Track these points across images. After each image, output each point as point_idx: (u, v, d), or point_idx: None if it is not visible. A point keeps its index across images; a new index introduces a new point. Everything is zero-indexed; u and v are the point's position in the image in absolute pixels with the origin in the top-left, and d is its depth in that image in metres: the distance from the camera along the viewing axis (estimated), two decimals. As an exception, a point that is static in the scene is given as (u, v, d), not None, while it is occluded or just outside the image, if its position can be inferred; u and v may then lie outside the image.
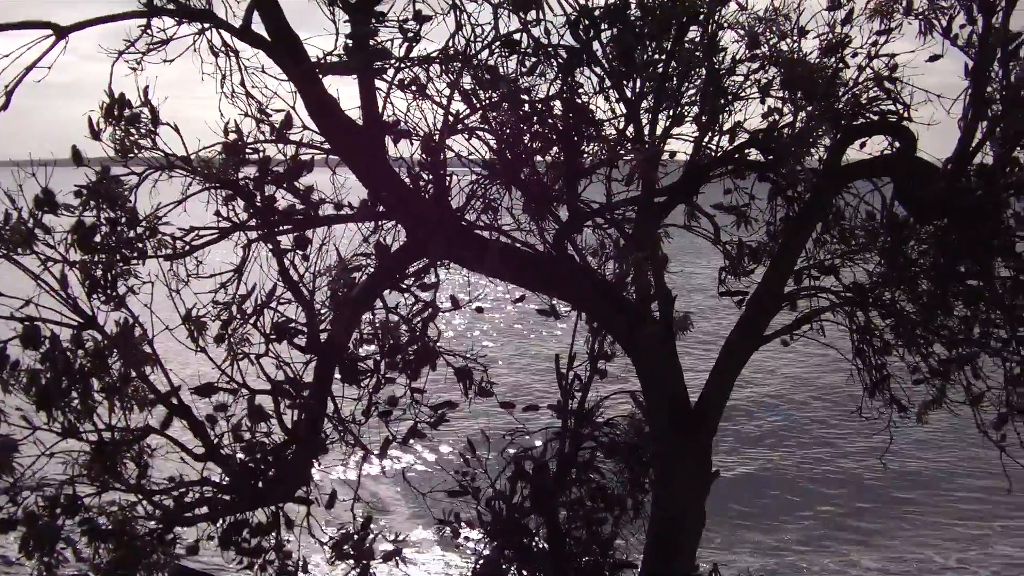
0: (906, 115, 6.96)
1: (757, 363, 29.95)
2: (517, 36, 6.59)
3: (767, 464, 23.93)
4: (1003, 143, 6.81)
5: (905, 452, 23.32)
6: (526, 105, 6.56)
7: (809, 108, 6.69)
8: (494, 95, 6.57)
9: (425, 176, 6.70)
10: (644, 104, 6.76)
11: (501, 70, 6.60)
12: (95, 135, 6.40)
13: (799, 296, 7.28)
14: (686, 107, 6.77)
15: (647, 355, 6.97)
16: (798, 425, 27.11)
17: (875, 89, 6.98)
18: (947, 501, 21.57)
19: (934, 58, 6.86)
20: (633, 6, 6.55)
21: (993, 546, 18.95)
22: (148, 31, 6.47)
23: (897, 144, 7.02)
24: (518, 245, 6.91)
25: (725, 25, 6.82)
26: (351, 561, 7.24)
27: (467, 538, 7.96)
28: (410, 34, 6.48)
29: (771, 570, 18.14)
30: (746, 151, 6.97)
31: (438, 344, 7.01)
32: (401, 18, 6.46)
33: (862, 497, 21.82)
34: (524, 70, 6.62)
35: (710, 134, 6.83)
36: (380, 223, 7.03)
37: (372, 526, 7.49)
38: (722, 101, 6.78)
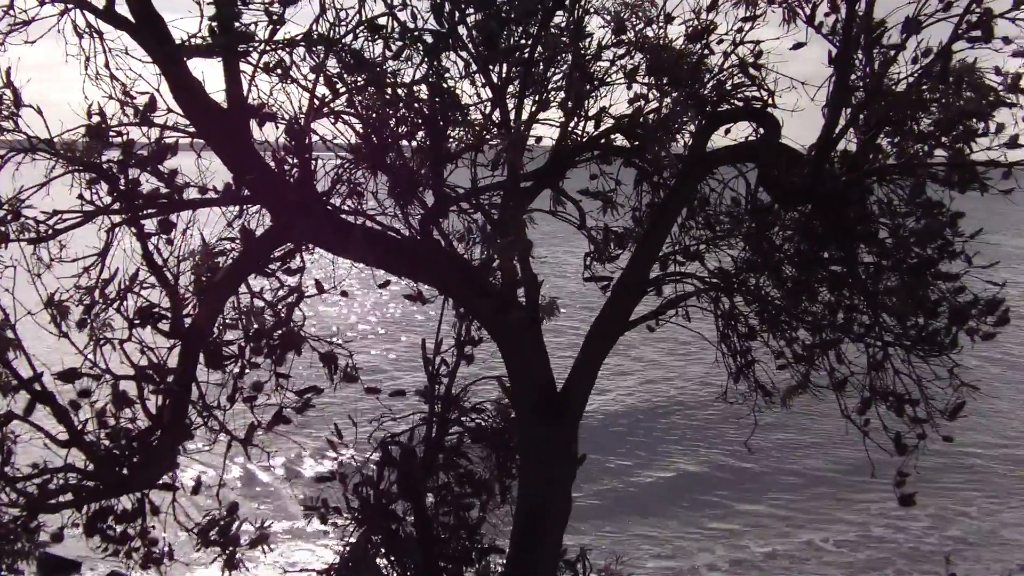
0: (771, 102, 8.34)
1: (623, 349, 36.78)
2: (382, 20, 7.58)
3: (643, 453, 28.94)
4: (866, 130, 8.14)
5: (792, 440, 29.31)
6: (392, 89, 7.57)
7: (674, 94, 8.02)
8: (359, 79, 7.55)
9: (290, 160, 7.66)
10: (510, 89, 7.88)
11: (366, 54, 7.55)
12: (-48, 117, 7.21)
13: (664, 282, 8.63)
14: (552, 92, 7.99)
15: (513, 340, 8.22)
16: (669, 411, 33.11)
17: (740, 76, 8.34)
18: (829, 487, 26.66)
19: (798, 46, 8.19)
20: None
21: (871, 529, 23.49)
22: (10, 11, 7.23)
23: (762, 130, 8.37)
24: (383, 230, 7.93)
25: (591, 11, 8.02)
26: (217, 548, 8.22)
27: (335, 524, 9.14)
28: (275, 17, 7.33)
29: (658, 555, 22.09)
30: (612, 137, 8.24)
31: (303, 329, 8.10)
32: (266, 0, 7.25)
33: (742, 483, 26.63)
34: (390, 54, 7.60)
35: (576, 119, 8.06)
36: (245, 207, 7.93)
37: (238, 512, 8.86)
38: (588, 87, 7.97)
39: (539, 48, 7.91)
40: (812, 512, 25.25)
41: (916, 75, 7.98)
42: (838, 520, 24.63)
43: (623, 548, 21.34)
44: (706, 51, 8.28)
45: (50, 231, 7.55)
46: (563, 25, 8.01)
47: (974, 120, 7.81)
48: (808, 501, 25.96)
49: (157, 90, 7.56)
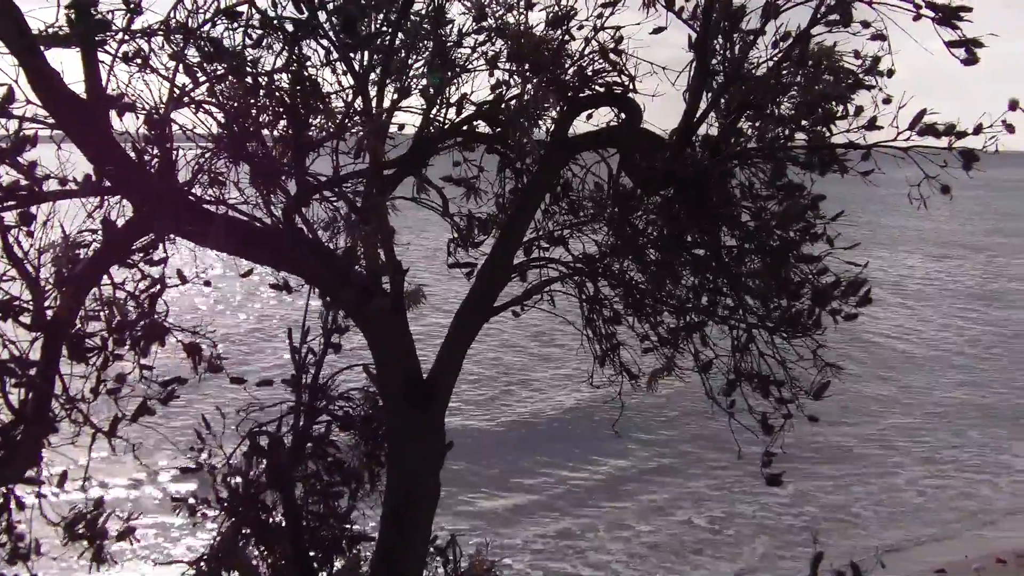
0: (632, 87, 9.45)
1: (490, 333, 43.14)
2: (241, 8, 8.52)
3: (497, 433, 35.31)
4: (727, 114, 9.28)
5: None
6: (252, 78, 8.48)
7: (536, 80, 9.07)
8: (219, 68, 8.43)
9: (150, 150, 8.46)
10: (372, 77, 8.87)
11: (226, 43, 8.47)
12: None
13: (529, 267, 9.81)
14: (413, 79, 8.99)
15: (378, 328, 9.23)
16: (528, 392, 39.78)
17: (601, 61, 9.43)
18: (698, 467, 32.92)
19: (658, 31, 9.28)
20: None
21: (735, 504, 29.50)
22: None
23: (623, 116, 9.52)
24: (246, 219, 8.81)
25: (452, -3, 8.84)
26: (85, 542, 9.19)
27: (205, 516, 10.21)
28: (132, 5, 8.16)
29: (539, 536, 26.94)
30: (474, 123, 9.32)
31: (167, 320, 9.04)
32: (123, -12, 7.86)
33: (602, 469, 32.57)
34: (250, 43, 8.59)
35: (437, 106, 9.09)
36: (106, 198, 8.73)
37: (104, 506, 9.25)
38: (449, 73, 8.98)
39: (400, 35, 8.91)
40: (687, 492, 31.13)
41: (776, 59, 9.17)
42: (709, 498, 30.41)
43: (495, 536, 25.44)
44: (567, 37, 9.33)
45: (-93, 227, 8.10)
46: (424, 12, 8.99)
47: (833, 103, 9.00)
48: (686, 481, 31.98)
49: (15, 81, 8.19)
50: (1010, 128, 8.51)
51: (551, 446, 34.71)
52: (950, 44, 8.70)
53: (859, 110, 9.06)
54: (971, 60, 8.74)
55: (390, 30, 8.97)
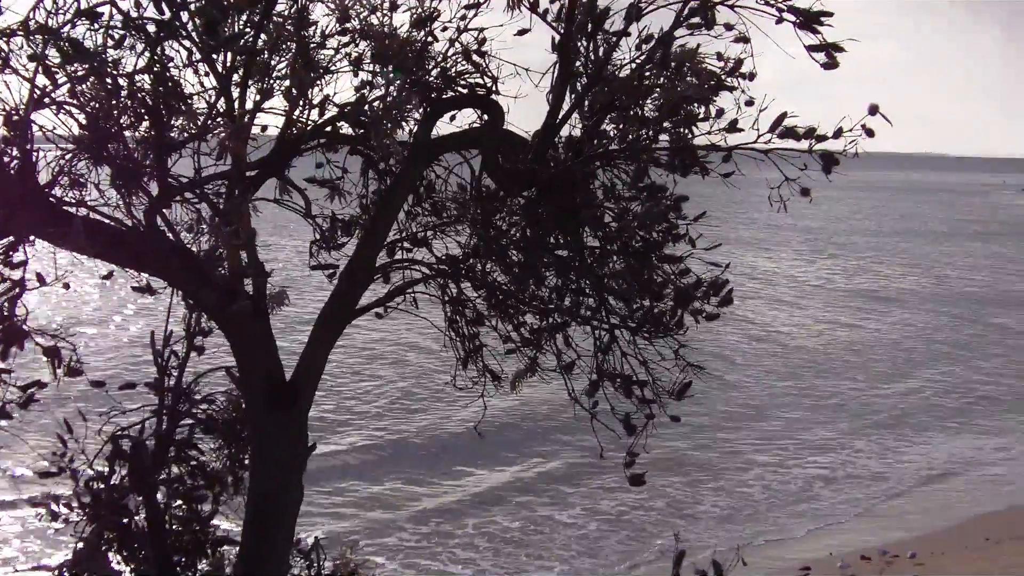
0: (495, 88, 10.28)
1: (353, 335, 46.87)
2: (102, 8, 9.17)
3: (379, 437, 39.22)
4: (590, 115, 10.12)
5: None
6: (114, 79, 9.17)
7: (399, 82, 9.76)
8: (80, 69, 9.06)
9: (10, 152, 9.11)
10: (234, 78, 9.52)
11: (87, 43, 9.10)
12: None
13: (392, 268, 10.52)
14: (276, 81, 9.68)
15: (240, 331, 9.91)
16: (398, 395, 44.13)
17: (464, 63, 10.28)
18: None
19: (522, 32, 10.05)
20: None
21: (599, 501, 33.82)
22: None
23: (486, 117, 10.32)
24: (107, 221, 9.43)
25: (315, -2, 9.23)
26: None
27: (66, 520, 10.85)
28: None
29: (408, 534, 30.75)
30: (337, 124, 10.04)
31: (26, 323, 9.55)
32: (-21, -10, 8.06)
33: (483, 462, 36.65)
34: (111, 43, 9.21)
35: (300, 108, 9.77)
36: None
37: None
38: (312, 75, 9.64)
39: (262, 36, 9.59)
40: (549, 488, 35.48)
41: (639, 61, 10.02)
42: (571, 494, 34.92)
43: (361, 536, 28.38)
44: (430, 38, 10.13)
45: None
46: (287, 13, 9.73)
47: (695, 105, 9.84)
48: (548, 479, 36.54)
49: None
50: (869, 132, 9.36)
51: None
52: (811, 48, 9.53)
53: (720, 112, 9.88)
54: (831, 64, 9.56)
55: (252, 31, 9.60)
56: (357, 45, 10.16)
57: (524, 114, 10.68)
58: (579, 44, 10.33)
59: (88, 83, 9.34)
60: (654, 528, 32.70)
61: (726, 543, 28.16)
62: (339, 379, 45.68)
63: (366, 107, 10.07)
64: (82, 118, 9.43)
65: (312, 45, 10.01)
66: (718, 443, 41.88)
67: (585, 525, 32.56)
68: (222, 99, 9.78)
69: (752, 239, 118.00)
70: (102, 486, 10.94)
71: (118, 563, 11.00)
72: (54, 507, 11.13)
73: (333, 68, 10.19)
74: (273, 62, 9.96)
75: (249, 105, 9.88)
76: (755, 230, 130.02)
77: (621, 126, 10.36)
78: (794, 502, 36.18)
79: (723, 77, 10.03)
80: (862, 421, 47.28)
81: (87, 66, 9.23)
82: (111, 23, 9.43)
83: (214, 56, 9.69)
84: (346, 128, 10.43)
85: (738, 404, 48.67)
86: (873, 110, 9.34)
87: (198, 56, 9.67)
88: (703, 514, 34.37)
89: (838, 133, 9.55)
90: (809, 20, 9.46)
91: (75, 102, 9.43)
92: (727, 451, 41.15)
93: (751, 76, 10.00)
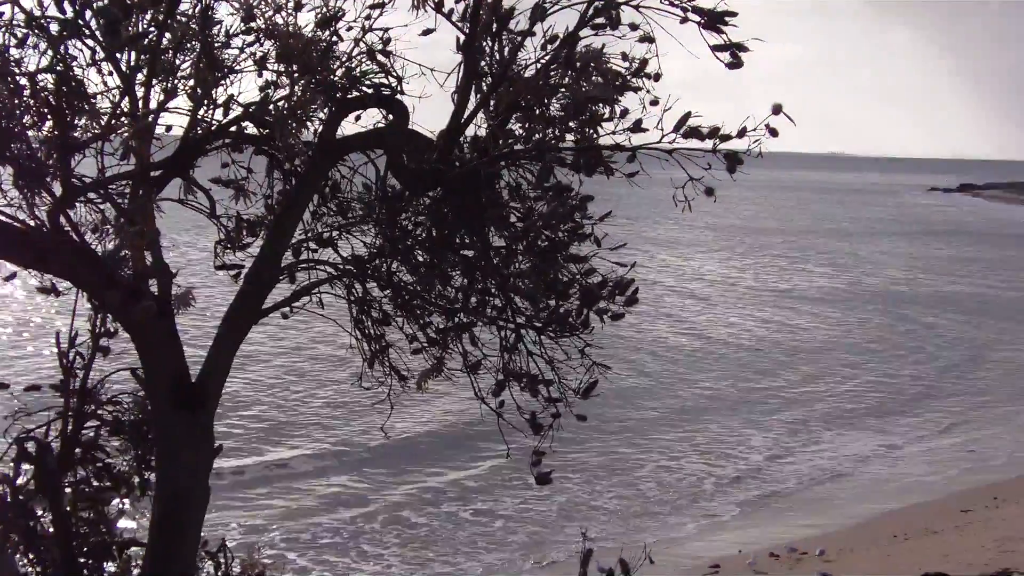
0: (400, 88, 10.38)
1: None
2: (3, 7, 9.23)
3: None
4: (496, 115, 10.21)
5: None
6: (15, 79, 9.16)
7: (304, 81, 9.90)
8: None
9: None
10: (138, 77, 9.59)
11: None
12: None
13: (298, 269, 10.59)
14: (180, 80, 9.78)
15: (144, 332, 9.93)
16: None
17: (369, 63, 10.36)
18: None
19: (427, 32, 10.18)
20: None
21: (503, 500, 35.49)
22: None
23: (391, 117, 10.42)
24: (9, 221, 9.42)
25: (218, -2, 9.29)
26: None
27: None
28: None
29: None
30: (242, 124, 10.10)
31: None
32: None
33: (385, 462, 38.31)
34: (14, 42, 9.24)
35: (204, 107, 9.88)
36: None
37: None
38: (216, 74, 9.76)
39: (166, 35, 9.67)
40: (460, 487, 36.94)
41: (544, 61, 10.12)
42: (475, 491, 36.59)
43: (267, 537, 29.48)
44: (335, 38, 10.23)
45: None
46: (191, 12, 9.78)
47: (601, 105, 10.00)
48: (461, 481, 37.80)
49: None
50: (773, 132, 9.52)
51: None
52: (715, 48, 9.67)
53: (624, 112, 10.02)
54: (736, 64, 9.71)
55: (156, 31, 9.67)
56: (262, 44, 10.25)
57: (431, 114, 10.83)
58: (484, 44, 10.40)
59: (-10, 83, 8.75)
60: (558, 525, 34.04)
61: (632, 540, 28.81)
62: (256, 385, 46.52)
63: (271, 107, 10.14)
64: (-16, 118, 8.84)
65: (216, 44, 10.10)
66: (623, 442, 43.50)
67: (491, 523, 34.07)
68: (126, 99, 9.80)
69: (663, 239, 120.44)
70: (7, 489, 10.83)
71: (24, 565, 10.93)
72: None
73: (238, 68, 10.27)
74: (177, 61, 10.03)
75: (153, 105, 9.95)
76: (666, 230, 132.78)
77: (527, 126, 10.44)
78: (696, 499, 37.62)
79: (628, 77, 10.11)
80: (767, 418, 49.21)
81: (-13, 66, 8.65)
82: (13, 22, 9.47)
83: (118, 55, 9.72)
84: (251, 128, 10.46)
85: (643, 402, 50.74)
86: (776, 110, 9.44)
87: (102, 55, 9.68)
88: (608, 512, 35.74)
89: (742, 133, 9.64)
90: (713, 20, 9.56)
91: (-25, 102, 8.88)
92: (636, 449, 43.07)
93: (656, 76, 10.10)
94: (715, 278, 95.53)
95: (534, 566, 30.37)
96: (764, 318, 75.72)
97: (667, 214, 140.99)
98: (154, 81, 9.92)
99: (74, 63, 9.66)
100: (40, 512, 11.15)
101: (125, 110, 9.77)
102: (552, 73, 10.31)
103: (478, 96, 10.49)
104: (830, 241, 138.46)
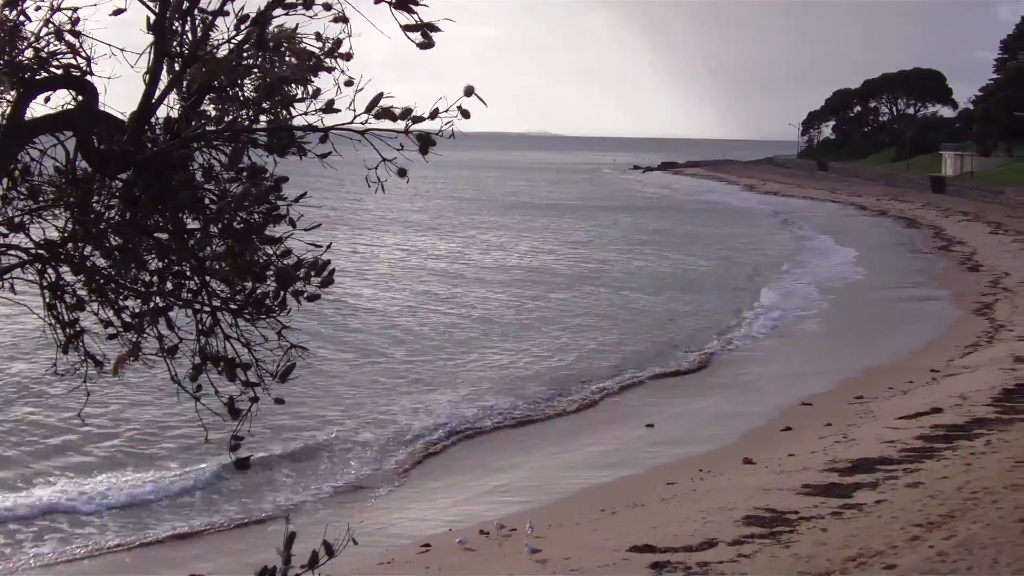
0: (89, 69, 10.47)
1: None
2: None
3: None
4: (188, 95, 10.36)
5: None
6: None
7: None
8: None
9: None
10: None
11: None
12: None
13: None
14: None
15: None
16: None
17: (57, 43, 10.37)
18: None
19: (117, 12, 10.24)
20: None
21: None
22: None
23: (80, 98, 10.49)
24: None
25: None
26: None
27: None
28: None
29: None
30: None
31: None
32: None
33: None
34: None
35: None
36: None
37: None
38: None
39: None
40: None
41: (237, 41, 10.25)
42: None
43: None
44: (23, 18, 10.22)
45: None
46: None
47: (293, 85, 10.14)
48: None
49: None
50: (465, 113, 9.75)
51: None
52: (406, 28, 9.90)
53: (317, 92, 10.17)
54: (427, 44, 9.95)
55: None
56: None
57: (126, 95, 10.60)
58: (174, 23, 10.48)
59: None
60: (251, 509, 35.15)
61: (333, 523, 27.71)
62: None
63: (-45, 89, 9.62)
64: None
65: None
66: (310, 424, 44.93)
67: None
68: None
69: (360, 221, 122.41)
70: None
71: None
72: None
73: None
74: None
75: None
76: (363, 212, 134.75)
77: (220, 107, 10.52)
78: (391, 475, 39.57)
79: (322, 57, 10.24)
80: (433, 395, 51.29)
81: None
82: None
83: None
84: (-69, 112, 9.78)
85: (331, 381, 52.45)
86: (468, 92, 9.68)
87: None
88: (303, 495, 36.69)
89: (434, 114, 9.80)
90: (404, 0, 9.71)
91: None
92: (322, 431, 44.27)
93: (348, 56, 10.30)
94: (401, 257, 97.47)
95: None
96: (442, 296, 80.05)
97: (365, 196, 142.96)
98: None
99: None
100: None
101: None
102: (245, 53, 10.36)
103: (170, 76, 10.45)
104: (523, 219, 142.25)
